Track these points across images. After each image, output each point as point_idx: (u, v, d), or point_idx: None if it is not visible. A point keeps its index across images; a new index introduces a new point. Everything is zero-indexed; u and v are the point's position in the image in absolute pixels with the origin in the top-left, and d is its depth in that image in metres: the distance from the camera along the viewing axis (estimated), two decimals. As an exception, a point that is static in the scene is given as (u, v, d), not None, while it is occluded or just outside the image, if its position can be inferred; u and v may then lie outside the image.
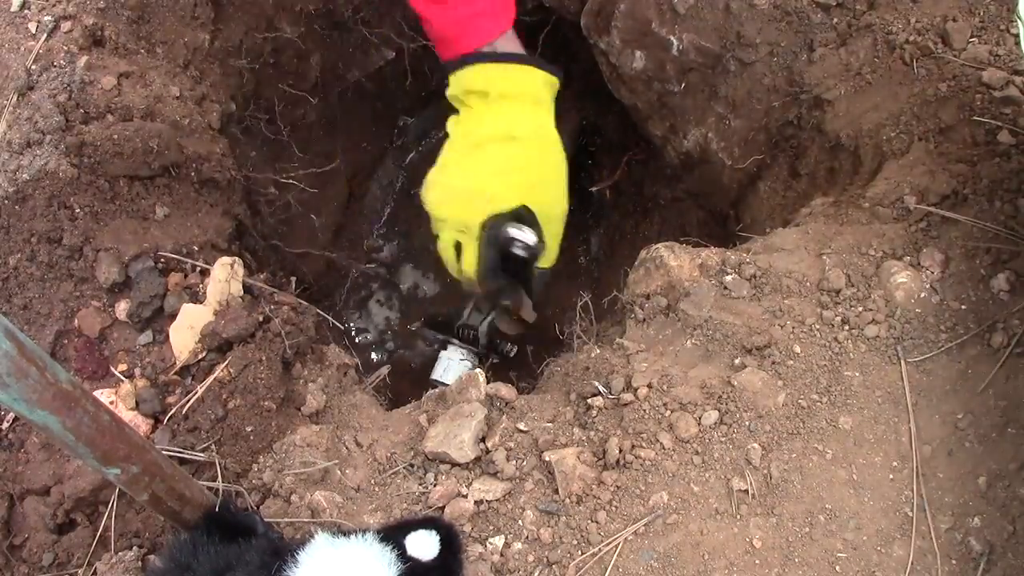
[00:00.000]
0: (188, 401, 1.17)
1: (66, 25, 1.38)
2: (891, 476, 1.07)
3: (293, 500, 1.10)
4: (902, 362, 1.12)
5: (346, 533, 0.86)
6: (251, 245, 1.71)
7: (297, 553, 0.84)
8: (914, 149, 1.31)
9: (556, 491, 1.09)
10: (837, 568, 1.02)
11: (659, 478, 1.08)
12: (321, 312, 1.42)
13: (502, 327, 1.98)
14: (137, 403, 1.19)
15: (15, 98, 1.31)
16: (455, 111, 1.34)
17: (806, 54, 1.47)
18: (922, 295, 1.15)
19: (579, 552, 1.05)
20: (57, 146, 1.26)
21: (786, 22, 1.47)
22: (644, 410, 1.12)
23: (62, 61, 1.34)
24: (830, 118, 1.44)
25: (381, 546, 0.84)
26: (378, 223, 2.38)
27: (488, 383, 1.23)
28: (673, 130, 1.76)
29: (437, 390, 1.30)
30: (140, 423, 1.17)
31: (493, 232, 1.24)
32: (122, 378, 1.22)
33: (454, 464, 1.14)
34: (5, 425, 1.23)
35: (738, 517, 1.05)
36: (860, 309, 1.15)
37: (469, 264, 1.29)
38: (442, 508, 1.10)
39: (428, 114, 2.45)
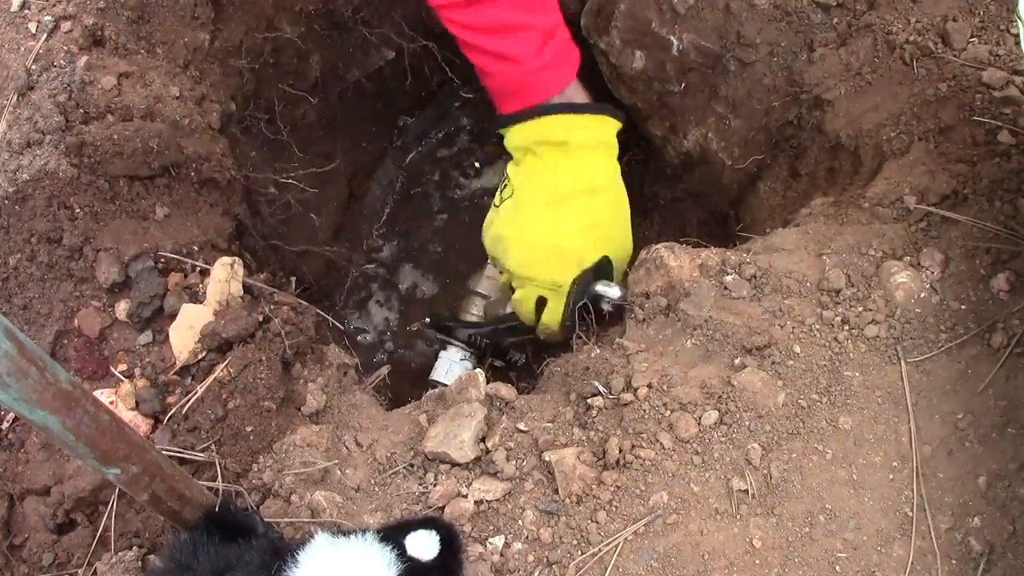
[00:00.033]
0: (188, 401, 1.17)
1: (66, 25, 1.38)
2: (891, 476, 1.07)
3: (293, 500, 1.10)
4: (902, 362, 1.12)
5: (346, 533, 0.86)
6: (251, 245, 1.71)
7: (297, 553, 0.84)
8: (914, 149, 1.31)
9: (556, 491, 1.09)
10: (837, 568, 1.02)
11: (659, 478, 1.08)
12: (321, 312, 1.42)
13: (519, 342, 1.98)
14: (137, 403, 1.19)
15: (15, 98, 1.31)
16: (503, 155, 1.33)
17: (806, 54, 1.47)
18: (922, 295, 1.15)
19: (579, 552, 1.05)
20: (57, 146, 1.26)
21: (786, 22, 1.47)
22: (644, 410, 1.12)
23: (62, 61, 1.34)
24: (830, 118, 1.44)
25: (381, 546, 0.84)
26: (378, 223, 2.38)
27: (488, 383, 1.24)
28: (673, 130, 1.76)
29: (437, 390, 1.30)
30: (140, 423, 1.17)
31: (582, 290, 1.24)
32: (122, 378, 1.22)
33: (454, 464, 1.14)
34: (5, 425, 1.23)
35: (738, 517, 1.05)
36: (860, 309, 1.15)
37: (554, 320, 1.30)
38: (442, 508, 1.10)
39: (428, 114, 2.45)
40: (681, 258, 1.27)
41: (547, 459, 1.11)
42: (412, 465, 1.15)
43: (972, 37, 1.35)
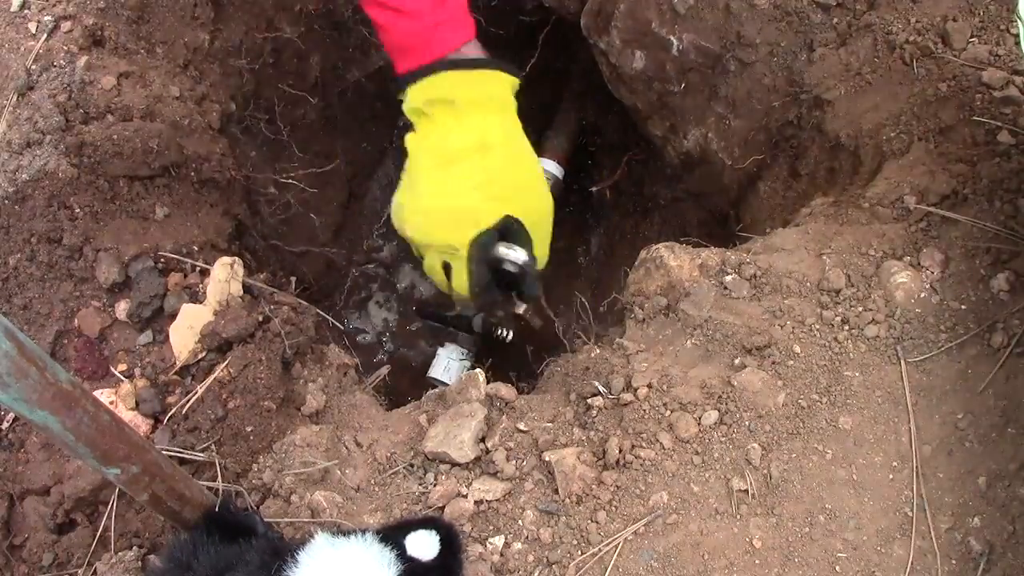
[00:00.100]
0: (188, 401, 1.17)
1: (66, 25, 1.38)
2: (891, 476, 1.07)
3: (293, 500, 1.10)
4: (902, 362, 1.12)
5: (346, 533, 0.86)
6: (251, 245, 1.71)
7: (297, 553, 0.84)
8: (914, 149, 1.31)
9: (556, 491, 1.09)
10: (837, 568, 1.02)
11: (659, 478, 1.08)
12: (321, 312, 1.42)
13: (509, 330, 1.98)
14: (137, 403, 1.19)
15: (15, 98, 1.31)
16: (410, 128, 1.27)
17: (806, 54, 1.47)
18: (922, 295, 1.15)
19: (579, 552, 1.05)
20: (57, 146, 1.26)
21: (786, 22, 1.47)
22: (644, 410, 1.12)
23: (62, 61, 1.34)
24: (830, 118, 1.44)
25: (381, 546, 0.84)
26: (378, 223, 2.38)
27: (488, 383, 1.24)
28: (673, 130, 1.76)
29: (437, 390, 1.30)
30: (140, 423, 1.17)
31: (482, 253, 1.19)
32: (122, 378, 1.22)
33: (454, 464, 1.14)
34: (5, 425, 1.23)
35: (738, 517, 1.05)
36: (860, 309, 1.15)
37: (461, 285, 1.24)
38: (442, 508, 1.10)
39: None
40: (681, 258, 1.27)
41: (547, 459, 1.11)
42: (412, 465, 1.15)
43: (972, 37, 1.35)
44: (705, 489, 1.07)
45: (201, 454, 1.13)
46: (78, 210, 1.27)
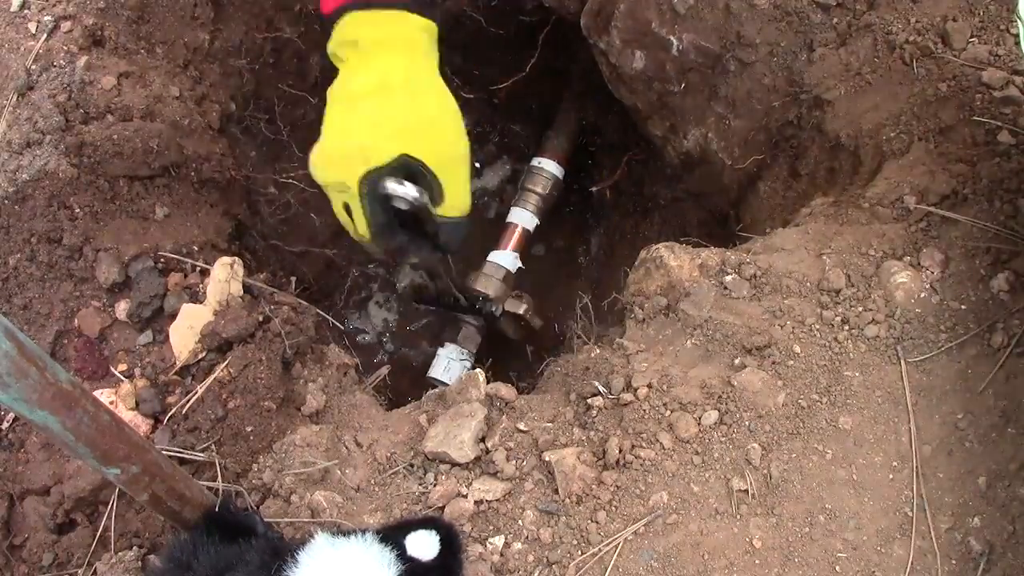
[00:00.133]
0: (188, 401, 1.17)
1: (66, 25, 1.38)
2: (891, 476, 1.07)
3: (293, 500, 1.10)
4: (902, 362, 1.12)
5: (346, 533, 0.86)
6: (251, 245, 1.71)
7: (297, 553, 0.84)
8: (914, 149, 1.31)
9: (556, 491, 1.09)
10: (837, 568, 1.02)
11: (659, 478, 1.08)
12: (321, 312, 1.42)
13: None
14: (137, 403, 1.19)
15: (15, 98, 1.31)
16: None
17: (806, 54, 1.47)
18: (922, 295, 1.15)
19: (579, 552, 1.05)
20: (57, 146, 1.26)
21: (786, 22, 1.47)
22: (644, 410, 1.12)
23: (62, 61, 1.34)
24: (830, 118, 1.44)
25: (381, 546, 0.84)
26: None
27: (488, 383, 1.24)
28: (673, 130, 1.76)
29: (437, 390, 1.30)
30: (140, 423, 1.17)
31: (371, 189, 1.15)
32: (122, 378, 1.22)
33: (454, 464, 1.14)
34: (5, 425, 1.23)
35: (738, 517, 1.05)
36: (860, 309, 1.15)
37: (361, 225, 1.20)
38: (442, 508, 1.10)
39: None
40: (681, 258, 1.27)
41: (547, 459, 1.11)
42: (412, 465, 1.15)
43: (972, 37, 1.35)
44: (705, 489, 1.07)
45: (201, 454, 1.13)
46: (78, 210, 1.27)
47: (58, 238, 1.26)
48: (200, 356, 1.20)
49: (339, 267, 2.24)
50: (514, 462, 1.12)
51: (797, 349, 1.14)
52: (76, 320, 1.26)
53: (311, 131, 2.06)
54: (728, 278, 1.22)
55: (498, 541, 1.06)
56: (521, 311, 1.94)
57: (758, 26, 1.48)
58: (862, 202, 1.29)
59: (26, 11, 1.41)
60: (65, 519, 1.16)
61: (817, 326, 1.15)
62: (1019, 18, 1.07)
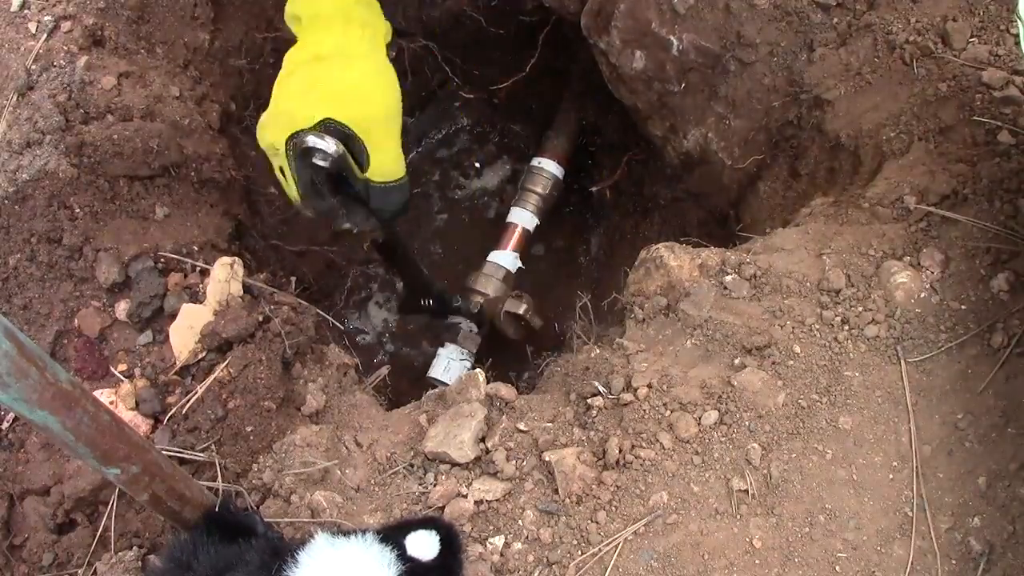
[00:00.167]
0: (188, 401, 1.17)
1: (66, 25, 1.38)
2: (891, 476, 1.07)
3: (293, 500, 1.10)
4: (902, 362, 1.12)
5: (346, 533, 0.86)
6: (251, 245, 1.71)
7: (297, 553, 0.84)
8: (914, 149, 1.31)
9: (556, 491, 1.09)
10: (837, 568, 1.02)
11: (659, 478, 1.08)
12: (321, 312, 1.42)
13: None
14: (137, 403, 1.19)
15: (15, 98, 1.31)
16: None
17: (806, 54, 1.47)
18: (922, 295, 1.15)
19: (579, 552, 1.05)
20: (57, 146, 1.26)
21: (786, 22, 1.47)
22: (644, 410, 1.12)
23: (62, 61, 1.34)
24: (830, 118, 1.44)
25: (381, 546, 0.84)
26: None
27: (488, 383, 1.24)
28: (673, 130, 1.76)
29: (437, 390, 1.30)
30: (140, 423, 1.17)
31: (295, 148, 1.19)
32: (122, 378, 1.22)
33: (454, 464, 1.14)
34: (5, 425, 1.23)
35: (738, 517, 1.05)
36: (860, 309, 1.15)
37: (291, 188, 1.25)
38: (442, 508, 1.10)
39: (428, 114, 2.45)
40: (681, 258, 1.27)
41: (547, 459, 1.11)
42: (412, 465, 1.15)
43: (972, 37, 1.35)
44: (705, 489, 1.07)
45: (201, 454, 1.13)
46: (78, 210, 1.27)
47: (58, 238, 1.26)
48: (200, 356, 1.20)
49: (339, 267, 2.24)
50: (514, 462, 1.12)
51: (797, 349, 1.14)
52: (76, 320, 1.26)
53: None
54: (728, 278, 1.22)
55: (498, 541, 1.06)
56: (521, 311, 1.94)
57: (758, 26, 1.48)
58: (862, 202, 1.29)
59: (26, 11, 1.41)
60: (65, 519, 1.16)
61: (817, 326, 1.15)
62: (1019, 18, 1.07)
